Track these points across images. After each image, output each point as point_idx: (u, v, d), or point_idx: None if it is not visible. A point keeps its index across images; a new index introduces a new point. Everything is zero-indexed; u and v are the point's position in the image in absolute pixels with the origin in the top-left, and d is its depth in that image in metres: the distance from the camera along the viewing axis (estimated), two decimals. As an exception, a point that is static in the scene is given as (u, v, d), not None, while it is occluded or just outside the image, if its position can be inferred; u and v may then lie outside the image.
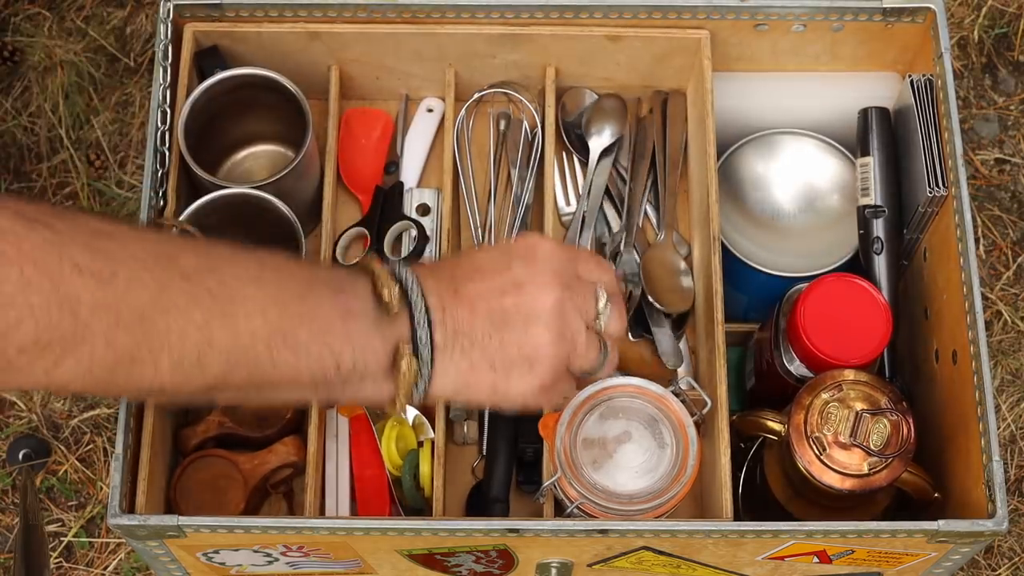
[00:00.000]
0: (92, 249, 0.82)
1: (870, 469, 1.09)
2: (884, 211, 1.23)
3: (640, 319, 1.26)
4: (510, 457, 1.22)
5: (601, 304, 0.99)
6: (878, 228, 1.23)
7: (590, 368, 1.00)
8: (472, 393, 0.96)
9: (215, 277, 0.87)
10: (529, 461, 1.23)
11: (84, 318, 0.81)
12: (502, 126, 1.32)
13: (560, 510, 1.15)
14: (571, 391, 1.07)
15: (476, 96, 1.30)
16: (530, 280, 0.96)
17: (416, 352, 0.93)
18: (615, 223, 1.30)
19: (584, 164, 1.33)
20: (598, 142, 1.32)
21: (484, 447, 1.24)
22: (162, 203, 1.19)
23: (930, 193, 1.19)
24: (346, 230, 1.28)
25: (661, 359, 1.23)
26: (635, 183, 1.30)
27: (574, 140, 1.34)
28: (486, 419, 1.24)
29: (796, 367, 1.18)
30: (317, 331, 0.90)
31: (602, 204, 1.31)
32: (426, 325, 0.93)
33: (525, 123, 1.32)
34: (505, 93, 1.31)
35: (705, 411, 1.15)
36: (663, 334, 1.25)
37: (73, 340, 0.81)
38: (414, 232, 1.25)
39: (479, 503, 1.22)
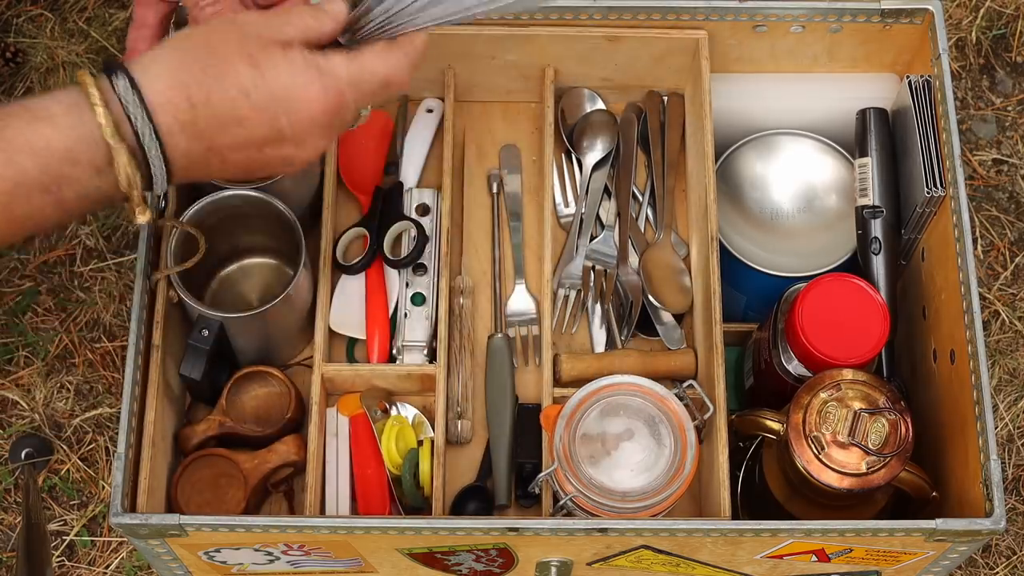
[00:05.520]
0: None
1: (868, 468, 1.09)
2: (882, 211, 1.24)
3: (640, 320, 1.27)
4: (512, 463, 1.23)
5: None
6: (876, 228, 1.24)
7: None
8: (229, 171, 0.93)
9: None
10: (527, 476, 1.23)
11: None
12: (494, 188, 1.33)
13: (555, 501, 1.15)
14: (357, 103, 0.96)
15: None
16: (297, 139, 0.93)
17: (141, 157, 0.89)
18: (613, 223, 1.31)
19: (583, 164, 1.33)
20: (590, 157, 1.32)
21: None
22: (163, 204, 1.19)
23: (928, 193, 1.19)
24: (346, 230, 1.28)
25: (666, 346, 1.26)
26: (621, 199, 1.31)
27: (573, 141, 1.34)
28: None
29: (794, 367, 1.18)
30: (33, 212, 0.88)
31: (599, 207, 1.32)
32: (161, 163, 0.90)
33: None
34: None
35: (707, 416, 1.15)
36: (667, 328, 1.26)
37: None
38: (414, 232, 1.26)
39: (468, 501, 1.23)
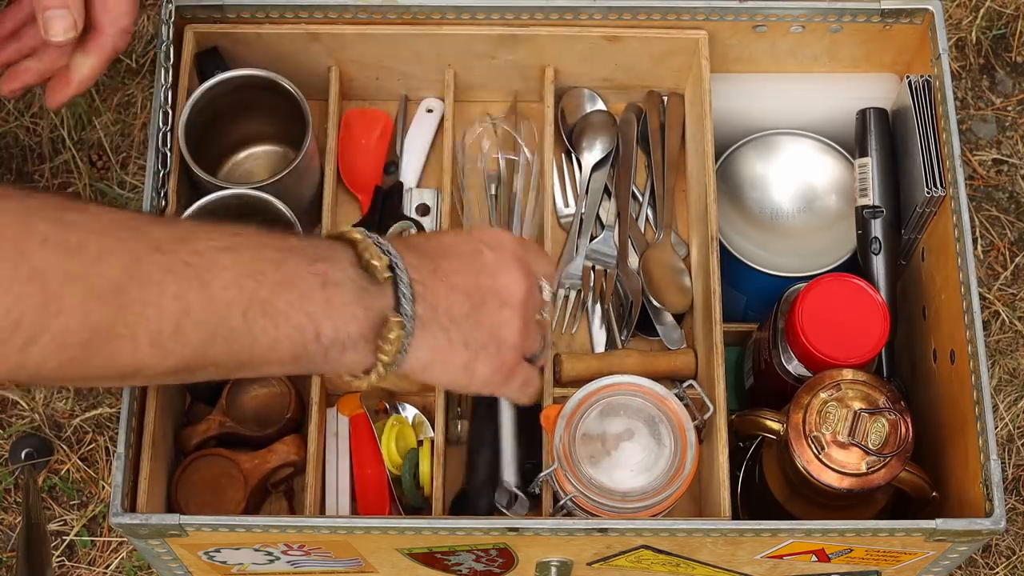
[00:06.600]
0: (60, 222, 0.82)
1: (868, 468, 1.09)
2: (882, 211, 1.24)
3: (640, 320, 1.27)
4: (494, 455, 1.22)
5: (546, 295, 1.04)
6: (876, 228, 1.24)
7: (536, 352, 1.04)
8: (443, 370, 0.98)
9: (189, 247, 0.87)
10: (527, 476, 1.22)
11: (54, 289, 0.80)
12: (494, 189, 1.33)
13: (555, 501, 1.15)
14: (532, 380, 1.06)
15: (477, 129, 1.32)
16: (501, 266, 1.00)
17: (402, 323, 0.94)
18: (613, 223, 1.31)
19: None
20: (589, 157, 1.32)
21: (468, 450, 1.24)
22: (163, 203, 1.19)
23: (928, 193, 1.19)
24: (346, 230, 1.28)
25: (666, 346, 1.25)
26: (621, 200, 1.31)
27: (573, 141, 1.34)
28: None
29: (794, 367, 1.18)
30: (295, 299, 0.90)
31: (599, 207, 1.32)
32: (410, 297, 0.94)
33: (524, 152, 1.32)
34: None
35: (707, 416, 1.15)
36: (667, 328, 1.26)
37: (45, 313, 0.80)
38: (414, 232, 1.26)
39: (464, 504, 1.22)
